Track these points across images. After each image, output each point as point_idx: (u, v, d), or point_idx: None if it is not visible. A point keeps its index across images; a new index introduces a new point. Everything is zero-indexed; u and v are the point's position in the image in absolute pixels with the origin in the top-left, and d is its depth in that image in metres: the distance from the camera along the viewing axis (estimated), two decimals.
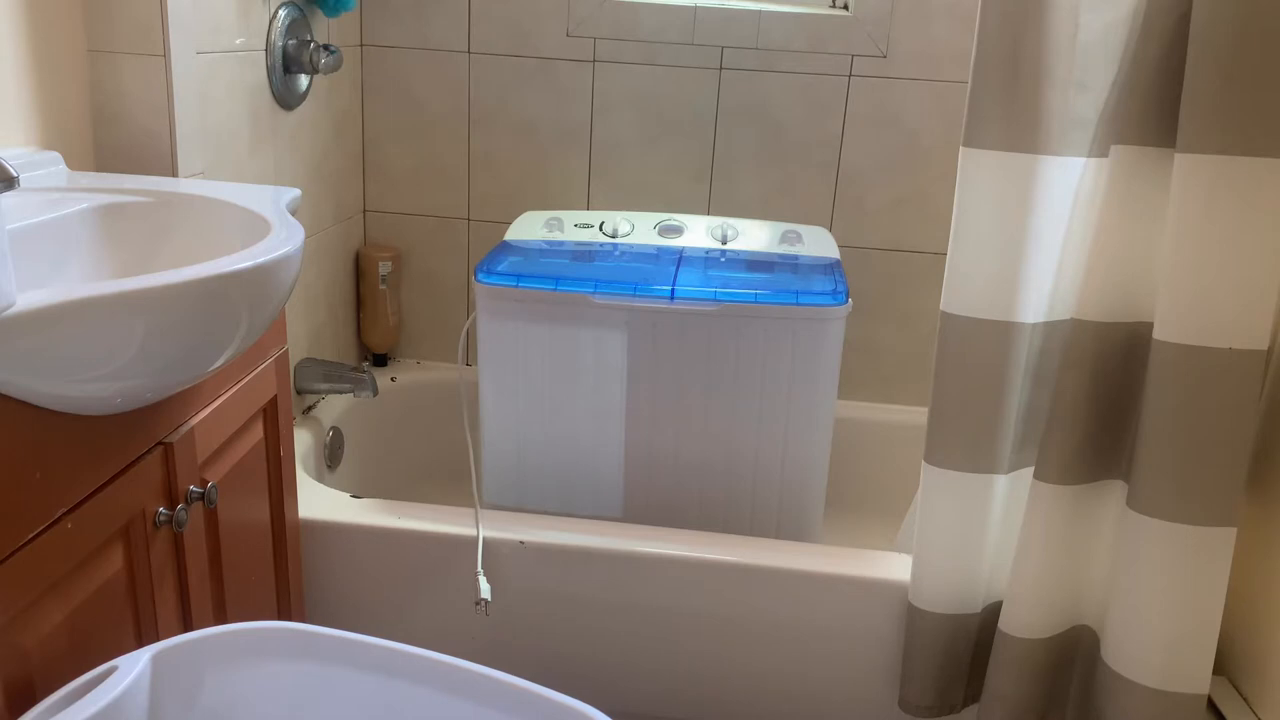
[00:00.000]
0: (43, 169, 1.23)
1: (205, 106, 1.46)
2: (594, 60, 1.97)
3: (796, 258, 1.72)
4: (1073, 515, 1.32)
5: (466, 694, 0.92)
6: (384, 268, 2.05)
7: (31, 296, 0.77)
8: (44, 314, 0.77)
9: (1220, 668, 1.41)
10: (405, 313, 2.17)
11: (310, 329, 1.88)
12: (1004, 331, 1.30)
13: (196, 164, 1.42)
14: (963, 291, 1.30)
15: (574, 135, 2.02)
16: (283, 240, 1.01)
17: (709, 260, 1.70)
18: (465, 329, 1.76)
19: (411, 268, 2.14)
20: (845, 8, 1.92)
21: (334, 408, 1.91)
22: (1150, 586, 1.25)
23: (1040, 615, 1.34)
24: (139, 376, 0.88)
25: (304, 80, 1.76)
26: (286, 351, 1.31)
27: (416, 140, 2.06)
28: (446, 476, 2.13)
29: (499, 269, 1.60)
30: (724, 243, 1.77)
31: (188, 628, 1.12)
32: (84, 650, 0.94)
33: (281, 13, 1.66)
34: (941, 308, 1.32)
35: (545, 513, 1.67)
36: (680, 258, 1.70)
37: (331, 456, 1.85)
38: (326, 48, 1.69)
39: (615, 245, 1.75)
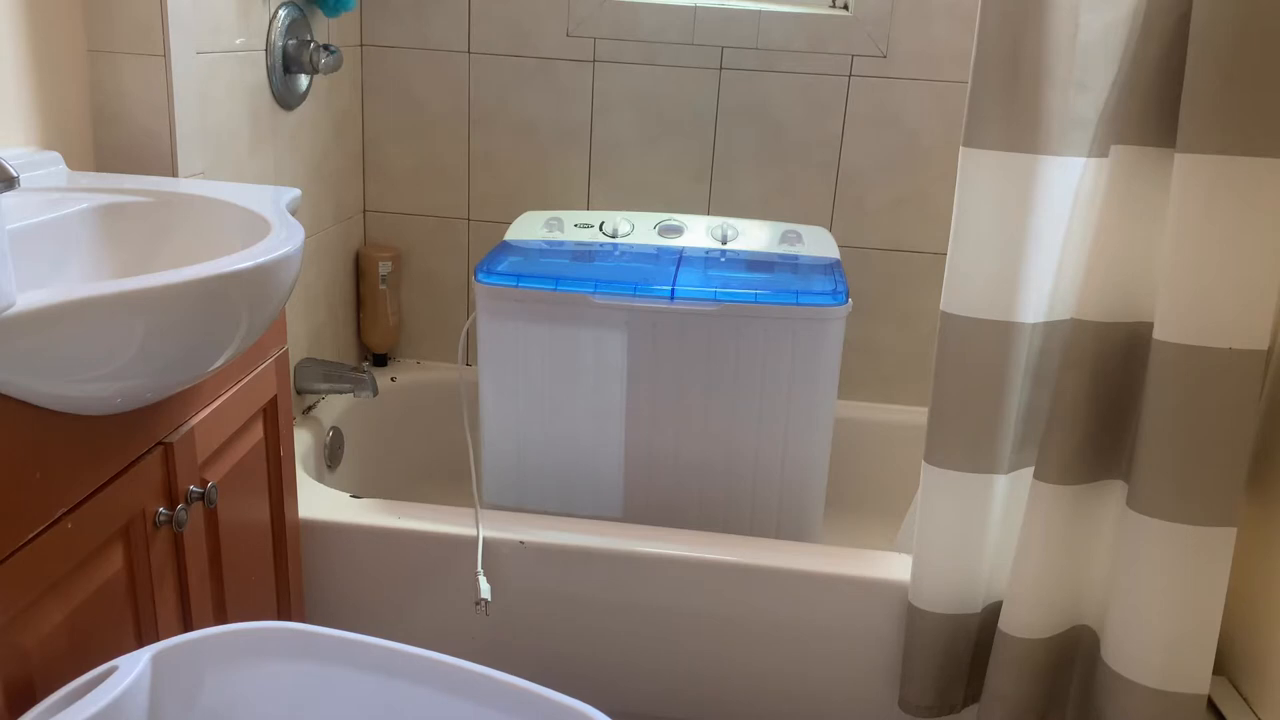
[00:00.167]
0: (43, 169, 1.23)
1: (205, 106, 1.46)
2: (594, 60, 1.97)
3: (796, 258, 1.72)
4: (1073, 515, 1.32)
5: (466, 694, 0.92)
6: (384, 268, 2.05)
7: (31, 296, 0.77)
8: (44, 314, 0.77)
9: (1220, 668, 1.41)
10: (405, 313, 2.17)
11: (310, 329, 1.88)
12: (1004, 331, 1.30)
13: (196, 164, 1.42)
14: (963, 291, 1.30)
15: (574, 135, 2.02)
16: (283, 240, 1.01)
17: (709, 260, 1.70)
18: (465, 329, 1.76)
19: (411, 268, 2.14)
20: (845, 8, 1.92)
21: (334, 408, 1.91)
22: (1150, 586, 1.25)
23: (1040, 615, 1.34)
24: (139, 376, 0.88)
25: (304, 80, 1.76)
26: (286, 351, 1.31)
27: (416, 140, 2.06)
28: (446, 476, 2.13)
29: (499, 269, 1.60)
30: (724, 243, 1.77)
31: (188, 628, 1.12)
32: (84, 650, 0.94)
33: (281, 13, 1.66)
34: (941, 308, 1.32)
35: (545, 513, 1.67)
36: (680, 258, 1.70)
37: (331, 456, 1.85)
38: (326, 48, 1.69)
39: (615, 245, 1.75)
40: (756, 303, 1.54)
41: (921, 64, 1.91)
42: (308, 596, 1.53)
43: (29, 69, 1.25)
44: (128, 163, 1.37)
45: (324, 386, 1.83)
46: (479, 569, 1.44)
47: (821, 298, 1.54)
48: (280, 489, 1.32)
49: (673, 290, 1.56)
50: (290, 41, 1.68)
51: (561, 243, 1.75)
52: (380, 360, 2.15)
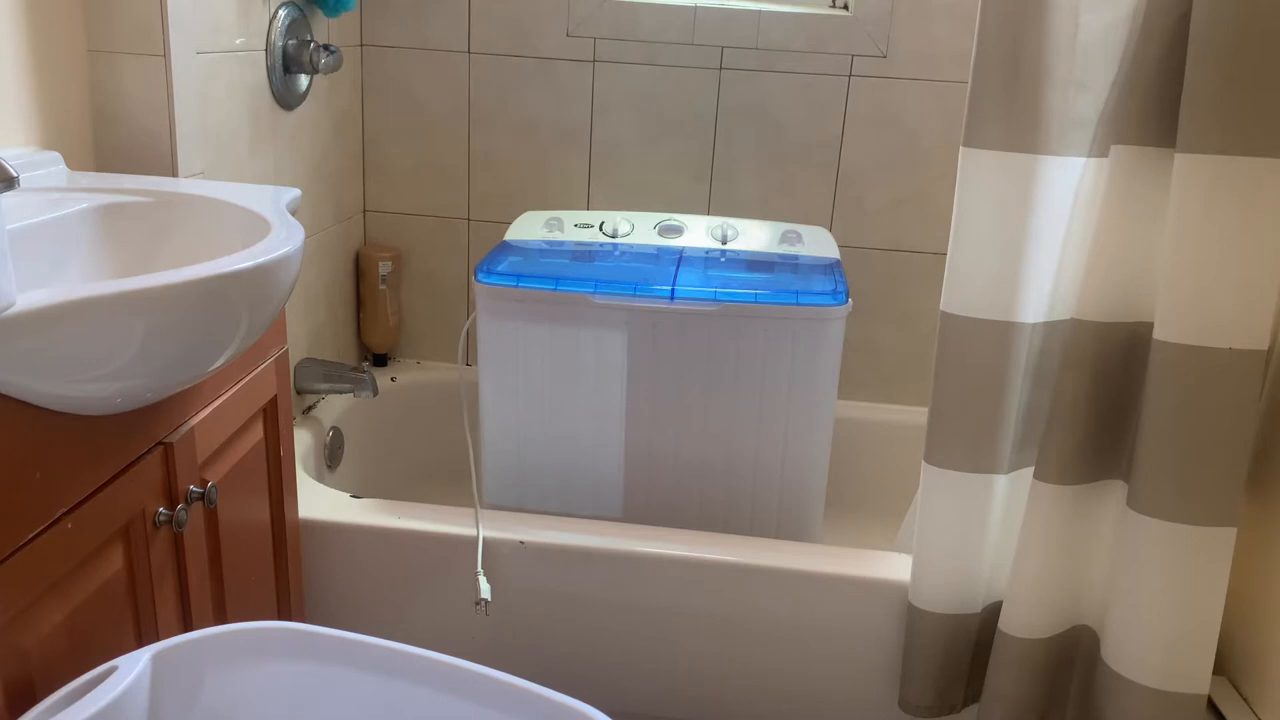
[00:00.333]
0: (43, 169, 1.23)
1: (205, 106, 1.46)
2: (594, 60, 1.97)
3: (796, 258, 1.72)
4: (1073, 515, 1.32)
5: (466, 694, 0.92)
6: (384, 268, 2.05)
7: (31, 296, 0.77)
8: (44, 314, 0.77)
9: (1220, 668, 1.41)
10: (405, 313, 2.17)
11: (310, 329, 1.88)
12: (1004, 331, 1.30)
13: (196, 164, 1.42)
14: (963, 291, 1.30)
15: (574, 135, 2.02)
16: (283, 240, 1.01)
17: (709, 260, 1.70)
18: (465, 329, 1.76)
19: (411, 268, 2.14)
20: (845, 8, 1.92)
21: (334, 408, 1.91)
22: (1150, 586, 1.25)
23: (1040, 615, 1.34)
24: (139, 376, 0.88)
25: (304, 80, 1.76)
26: (286, 351, 1.31)
27: (416, 140, 2.06)
28: (446, 476, 2.13)
29: (499, 269, 1.60)
30: (724, 243, 1.77)
31: (188, 628, 1.12)
32: (84, 650, 0.94)
33: (281, 13, 1.66)
34: (941, 308, 1.32)
35: (545, 513, 1.67)
36: (680, 258, 1.70)
37: (331, 456, 1.85)
38: (326, 48, 1.69)
39: (615, 245, 1.75)
40: (756, 303, 1.54)
41: (921, 64, 1.91)
42: (308, 596, 1.53)
43: (29, 69, 1.25)
44: (128, 163, 1.37)
45: (324, 386, 1.83)
46: (479, 569, 1.44)
47: (821, 298, 1.54)
48: (280, 489, 1.32)
49: (673, 290, 1.56)
50: (290, 41, 1.68)
51: (561, 243, 1.75)
52: (380, 360, 2.15)
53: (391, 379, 2.08)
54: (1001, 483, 1.37)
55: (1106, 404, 1.28)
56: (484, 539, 1.47)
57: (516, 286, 1.58)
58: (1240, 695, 1.37)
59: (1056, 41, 1.20)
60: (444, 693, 0.93)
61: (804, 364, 1.57)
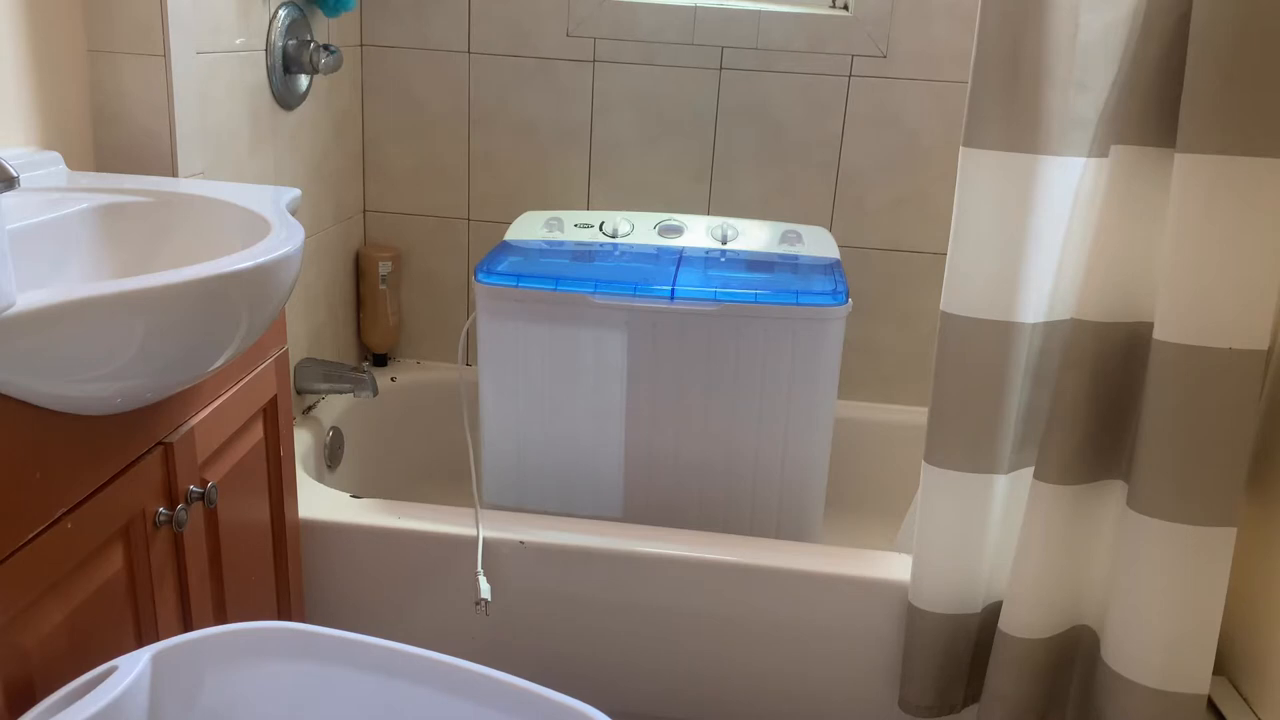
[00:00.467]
0: (43, 169, 1.23)
1: (205, 106, 1.46)
2: (594, 60, 1.97)
3: (796, 258, 1.72)
4: (1073, 515, 1.32)
5: (466, 694, 0.92)
6: (384, 268, 2.05)
7: (31, 296, 0.77)
8: (44, 314, 0.77)
9: (1220, 668, 1.41)
10: (405, 313, 2.17)
11: (310, 329, 1.88)
12: (1004, 331, 1.30)
13: (196, 164, 1.42)
14: (963, 291, 1.30)
15: (574, 135, 2.02)
16: (283, 240, 1.01)
17: (709, 260, 1.70)
18: (465, 329, 1.76)
19: (411, 268, 2.14)
20: (845, 8, 1.92)
21: (334, 408, 1.91)
22: (1150, 586, 1.25)
23: (1040, 615, 1.34)
24: (139, 376, 0.88)
25: (304, 80, 1.76)
26: (286, 351, 1.31)
27: (416, 140, 2.06)
28: (446, 476, 2.13)
29: (499, 269, 1.60)
30: (724, 243, 1.77)
31: (188, 628, 1.11)
32: (84, 650, 0.94)
33: (281, 13, 1.66)
34: (941, 308, 1.32)
35: (545, 513, 1.67)
36: (680, 258, 1.70)
37: (331, 456, 1.85)
38: (326, 48, 1.69)
39: (615, 245, 1.75)
40: (756, 303, 1.54)
41: (921, 64, 1.91)
42: (308, 596, 1.53)
43: (29, 69, 1.25)
44: (128, 163, 1.37)
45: (324, 386, 1.83)
46: (479, 569, 1.44)
47: (821, 298, 1.54)
48: (280, 489, 1.32)
49: (673, 290, 1.56)
50: (290, 41, 1.68)
51: (561, 243, 1.75)
52: (380, 360, 2.15)
53: (391, 379, 2.08)
54: (1001, 483, 1.37)
55: (1106, 404, 1.28)
56: (484, 539, 1.47)
57: (516, 286, 1.58)
58: (1240, 695, 1.37)
59: (1056, 41, 1.20)
60: (444, 693, 0.93)
61: (804, 364, 1.57)
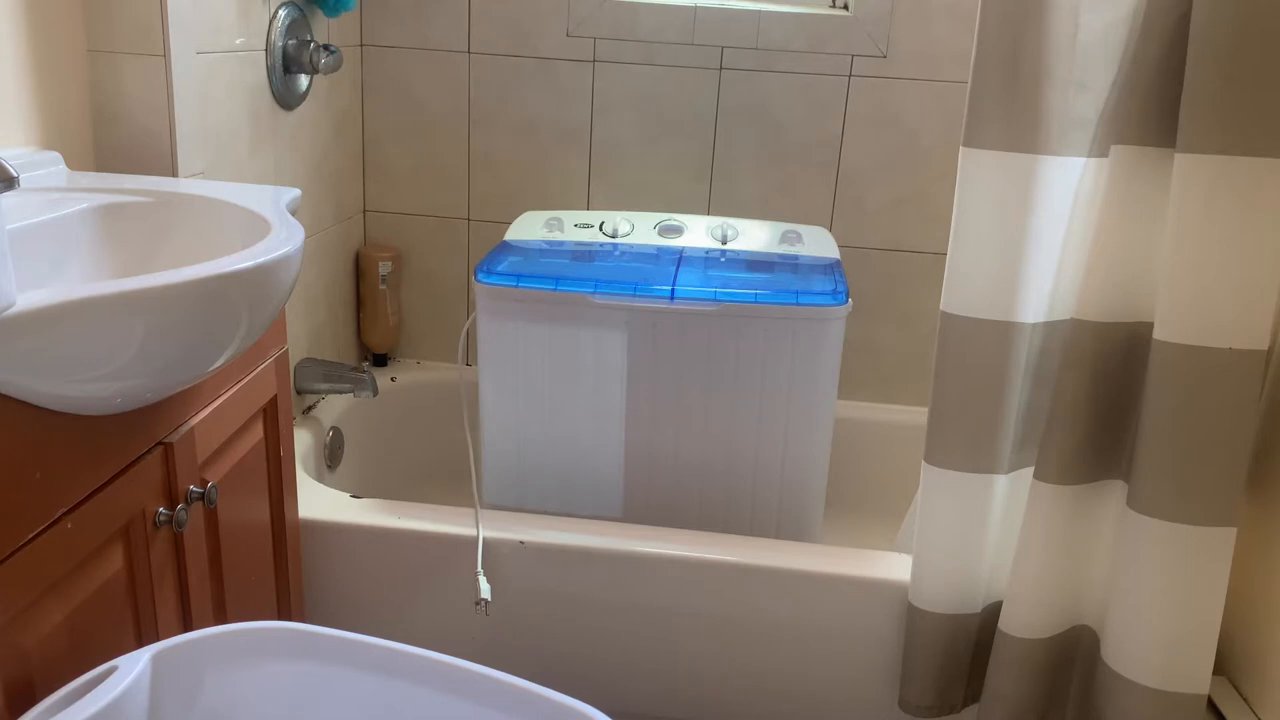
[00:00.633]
0: (43, 169, 1.23)
1: (205, 106, 1.46)
2: (594, 60, 1.97)
3: (796, 258, 1.72)
4: (1073, 515, 1.32)
5: (466, 694, 0.92)
6: (384, 268, 2.05)
7: (31, 296, 0.77)
8: (44, 314, 0.77)
9: (1220, 668, 1.41)
10: (405, 313, 2.17)
11: (310, 329, 1.88)
12: (1004, 331, 1.30)
13: (196, 164, 1.42)
14: (963, 291, 1.30)
15: (574, 135, 2.02)
16: (283, 240, 1.01)
17: (709, 260, 1.70)
18: (465, 329, 1.76)
19: (411, 268, 2.14)
20: (845, 8, 1.92)
21: (334, 408, 1.91)
22: (1150, 586, 1.25)
23: (1040, 615, 1.34)
24: (139, 376, 0.88)
25: (304, 80, 1.76)
26: (286, 351, 1.31)
27: (416, 140, 2.06)
28: (446, 476, 2.13)
29: (499, 269, 1.60)
30: (724, 243, 1.77)
31: (188, 628, 1.12)
32: (84, 650, 0.94)
33: (281, 13, 1.66)
34: (941, 308, 1.32)
35: (545, 513, 1.67)
36: (680, 258, 1.70)
37: (331, 456, 1.85)
38: (326, 48, 1.69)
39: (615, 245, 1.75)
40: (756, 303, 1.54)
41: (921, 64, 1.91)
42: (308, 596, 1.53)
43: (29, 69, 1.25)
44: (128, 163, 1.37)
45: (324, 386, 1.83)
46: (479, 569, 1.44)
47: (821, 298, 1.54)
48: (280, 489, 1.32)
49: (673, 290, 1.56)
50: (290, 41, 1.68)
51: (561, 243, 1.75)
52: (380, 360, 2.15)
53: (391, 379, 2.08)
54: (1001, 483, 1.37)
55: (1106, 404, 1.28)
56: (484, 539, 1.47)
57: (516, 286, 1.58)
58: (1240, 695, 1.37)
59: (1056, 41, 1.20)
60: (444, 693, 0.93)
61: (804, 364, 1.57)
